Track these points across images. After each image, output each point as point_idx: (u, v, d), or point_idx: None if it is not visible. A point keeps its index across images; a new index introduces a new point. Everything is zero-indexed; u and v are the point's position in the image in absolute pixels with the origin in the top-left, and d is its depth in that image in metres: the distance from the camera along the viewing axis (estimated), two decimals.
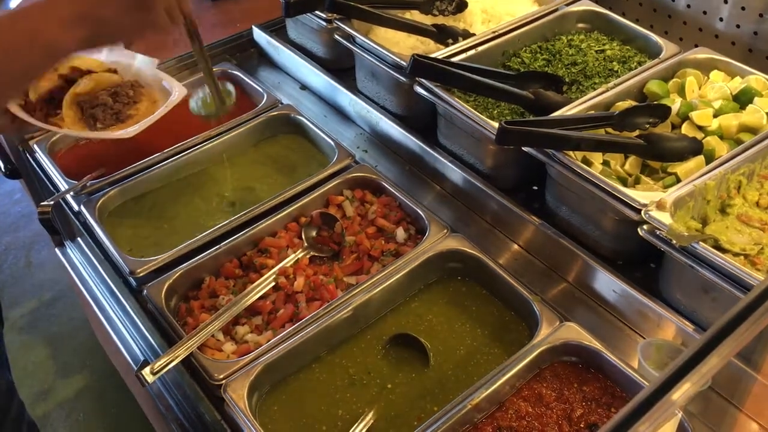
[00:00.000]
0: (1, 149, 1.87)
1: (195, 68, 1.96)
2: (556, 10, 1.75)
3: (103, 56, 1.64)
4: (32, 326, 3.19)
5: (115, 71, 1.61)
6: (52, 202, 1.48)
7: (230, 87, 1.60)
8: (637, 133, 1.37)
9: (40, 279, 3.44)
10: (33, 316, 3.24)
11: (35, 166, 1.73)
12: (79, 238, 1.82)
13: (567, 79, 1.60)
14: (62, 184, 1.59)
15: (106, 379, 2.87)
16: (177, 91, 1.58)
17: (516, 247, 1.46)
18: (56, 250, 2.02)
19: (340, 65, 1.88)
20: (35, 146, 1.72)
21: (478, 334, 1.30)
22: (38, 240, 3.64)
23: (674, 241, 1.12)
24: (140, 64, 1.64)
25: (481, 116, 1.43)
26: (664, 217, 1.16)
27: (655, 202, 1.18)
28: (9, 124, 1.47)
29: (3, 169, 1.85)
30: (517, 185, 1.52)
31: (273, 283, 1.37)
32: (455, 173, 1.56)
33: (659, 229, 1.16)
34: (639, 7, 1.85)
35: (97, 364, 2.93)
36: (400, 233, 1.45)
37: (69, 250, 1.91)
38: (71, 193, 1.57)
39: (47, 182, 1.66)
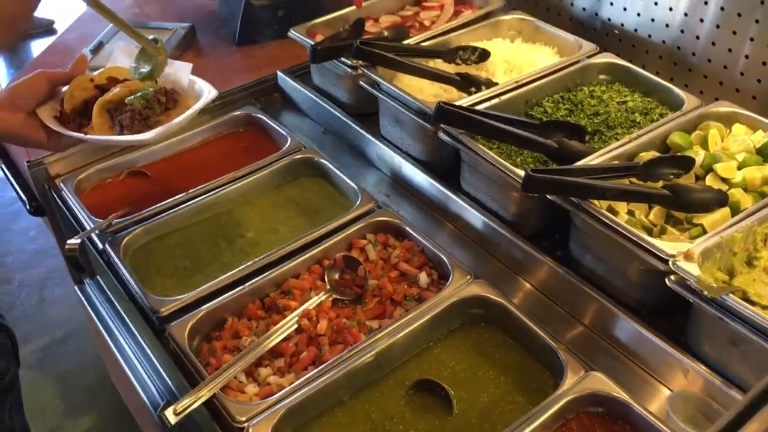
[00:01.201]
0: (27, 186, 1.90)
1: (214, 113, 1.97)
2: (577, 62, 1.77)
3: None
4: (42, 363, 3.18)
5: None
6: (79, 240, 1.49)
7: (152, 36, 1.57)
8: (661, 183, 1.38)
9: (53, 316, 3.44)
10: (43, 353, 3.24)
11: (61, 204, 1.75)
12: (98, 276, 1.82)
13: (589, 129, 1.61)
14: (87, 223, 1.61)
15: (115, 419, 2.84)
16: (207, 93, 1.53)
17: (539, 294, 1.45)
18: (75, 287, 2.03)
19: (363, 110, 1.90)
20: (62, 184, 1.75)
21: (501, 382, 1.29)
22: (52, 277, 3.66)
23: (704, 293, 1.12)
24: (177, 70, 1.59)
25: (506, 163, 1.44)
26: (692, 268, 1.16)
27: (683, 253, 1.18)
28: (46, 138, 1.47)
29: (28, 206, 1.87)
30: (540, 232, 1.52)
31: (296, 326, 1.37)
32: (478, 219, 1.56)
33: (687, 280, 1.16)
34: (659, 60, 1.87)
35: (106, 404, 2.91)
36: (423, 278, 1.45)
37: (88, 288, 1.91)
38: (96, 231, 1.58)
39: (72, 220, 1.67)
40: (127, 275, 1.49)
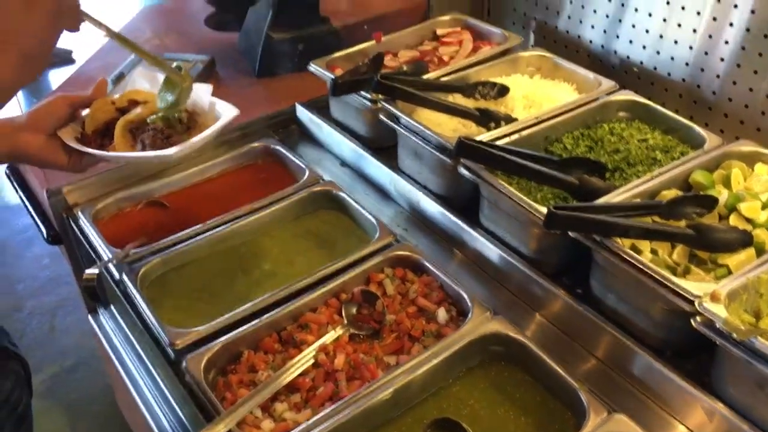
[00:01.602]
0: (45, 215, 1.90)
1: (232, 144, 1.99)
2: (597, 99, 1.77)
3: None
4: (52, 392, 3.16)
5: None
6: (97, 271, 1.48)
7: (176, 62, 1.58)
8: (684, 222, 1.37)
9: (63, 345, 3.43)
10: (53, 381, 3.22)
11: (78, 232, 1.75)
12: (112, 306, 1.82)
13: (610, 166, 1.60)
14: (105, 252, 1.60)
15: None
16: (228, 112, 1.55)
17: (559, 332, 1.43)
18: (88, 316, 2.02)
19: (381, 144, 1.91)
20: (79, 213, 1.75)
21: (522, 422, 1.26)
22: (64, 305, 3.66)
23: (733, 335, 1.10)
24: (197, 92, 1.60)
25: (528, 200, 1.44)
26: (719, 310, 1.14)
27: (709, 294, 1.16)
28: (66, 159, 1.49)
29: (45, 235, 1.87)
30: (560, 270, 1.50)
31: (313, 360, 1.36)
32: (497, 255, 1.55)
33: (714, 322, 1.14)
34: (679, 98, 1.87)
35: None
36: (442, 314, 1.44)
37: (102, 318, 1.90)
38: (113, 261, 1.57)
39: (89, 249, 1.67)
40: (144, 305, 1.48)
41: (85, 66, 2.57)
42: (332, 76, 1.84)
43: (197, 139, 1.47)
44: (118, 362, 1.68)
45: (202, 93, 1.60)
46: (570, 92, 1.88)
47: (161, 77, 1.60)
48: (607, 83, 1.82)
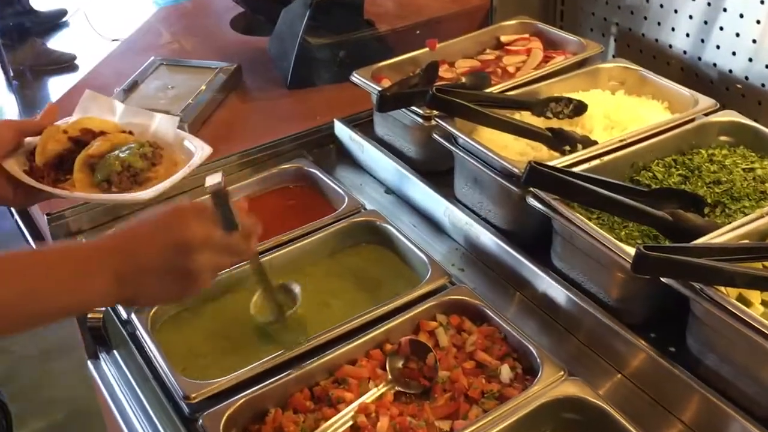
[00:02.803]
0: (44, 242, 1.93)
1: (258, 166, 2.05)
2: (693, 120, 1.75)
3: (117, 116, 1.71)
4: None
5: (130, 133, 1.67)
6: (104, 309, 1.50)
7: (296, 289, 1.57)
8: None
9: (53, 396, 3.47)
10: None
11: None
12: (116, 351, 1.83)
13: (709, 200, 1.58)
14: None
15: None
16: (200, 150, 1.63)
17: (647, 397, 1.41)
18: (88, 362, 2.04)
19: (435, 168, 1.91)
20: (83, 241, 1.78)
21: None
22: (57, 350, 3.70)
23: None
24: (159, 124, 1.70)
25: (611, 238, 1.42)
26: None
27: None
28: (11, 193, 1.53)
29: None
30: (648, 322, 1.48)
31: (351, 422, 1.35)
32: (572, 303, 1.53)
33: None
34: None
35: None
36: (505, 371, 1.42)
37: (104, 364, 1.91)
38: None
39: None
40: (155, 351, 1.49)
41: (94, 72, 2.63)
42: (378, 88, 1.86)
43: (175, 177, 1.56)
44: (120, 417, 1.68)
45: (166, 125, 1.70)
46: (660, 111, 1.87)
47: (116, 105, 1.73)
48: (706, 101, 1.80)
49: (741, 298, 1.30)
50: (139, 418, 1.60)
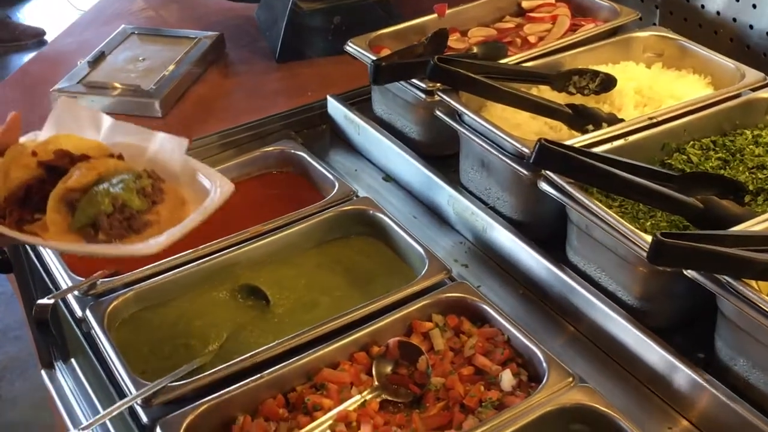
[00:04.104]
0: None
1: (240, 149, 2.10)
2: (738, 96, 1.80)
3: (102, 133, 1.51)
4: None
5: (120, 157, 1.46)
6: (52, 301, 1.57)
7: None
8: None
9: (10, 420, 3.54)
10: None
11: (33, 256, 1.84)
12: (73, 360, 1.90)
13: (751, 187, 1.62)
14: (65, 281, 1.69)
15: None
16: (219, 188, 1.44)
17: (670, 409, 1.45)
18: (42, 372, 2.11)
19: (440, 151, 1.98)
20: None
21: None
22: (12, 366, 3.79)
23: None
24: (161, 147, 1.50)
25: (629, 226, 1.46)
26: None
27: None
28: None
29: None
30: (674, 324, 1.52)
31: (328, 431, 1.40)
32: (588, 303, 1.58)
33: None
34: None
35: None
36: (507, 378, 1.46)
37: (60, 374, 1.99)
38: (75, 292, 1.66)
39: (46, 278, 1.77)
40: (111, 352, 1.54)
41: (57, 42, 2.71)
42: (373, 58, 1.91)
43: (185, 225, 1.37)
44: (72, 427, 1.75)
45: (170, 148, 1.49)
46: (702, 87, 1.91)
47: (102, 117, 1.52)
48: (754, 75, 1.84)
49: None
50: (95, 428, 1.66)
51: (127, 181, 1.37)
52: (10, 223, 1.35)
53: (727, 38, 2.13)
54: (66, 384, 1.93)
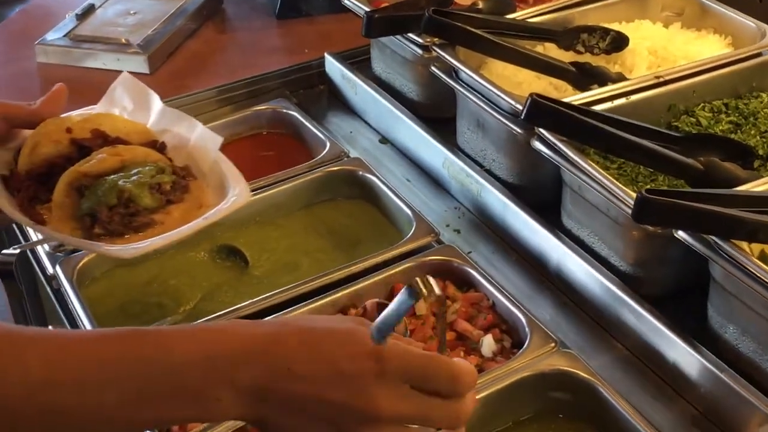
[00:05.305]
0: None
1: (236, 105, 2.18)
2: (757, 56, 1.84)
3: (151, 118, 1.55)
4: None
5: (163, 145, 1.50)
6: (18, 251, 1.65)
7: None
8: None
9: None
10: None
11: None
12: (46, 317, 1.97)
13: (761, 152, 1.67)
14: (35, 234, 1.76)
15: None
16: (233, 197, 1.44)
17: (658, 380, 1.50)
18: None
19: (439, 113, 2.04)
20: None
21: None
22: None
23: None
24: (200, 139, 1.51)
25: (618, 184, 1.51)
26: None
27: None
28: None
29: None
30: (669, 293, 1.58)
31: None
32: (581, 269, 1.63)
33: None
34: None
35: None
36: (487, 343, 1.53)
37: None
38: (46, 246, 1.74)
39: (16, 229, 1.86)
40: (79, 309, 1.61)
41: None
42: (366, 9, 1.98)
43: (167, 236, 1.38)
44: None
45: (206, 142, 1.51)
46: (721, 48, 1.95)
47: (153, 99, 1.56)
48: None
49: (765, 257, 1.38)
50: None
51: (143, 174, 1.39)
52: (21, 199, 1.39)
53: None
54: None
